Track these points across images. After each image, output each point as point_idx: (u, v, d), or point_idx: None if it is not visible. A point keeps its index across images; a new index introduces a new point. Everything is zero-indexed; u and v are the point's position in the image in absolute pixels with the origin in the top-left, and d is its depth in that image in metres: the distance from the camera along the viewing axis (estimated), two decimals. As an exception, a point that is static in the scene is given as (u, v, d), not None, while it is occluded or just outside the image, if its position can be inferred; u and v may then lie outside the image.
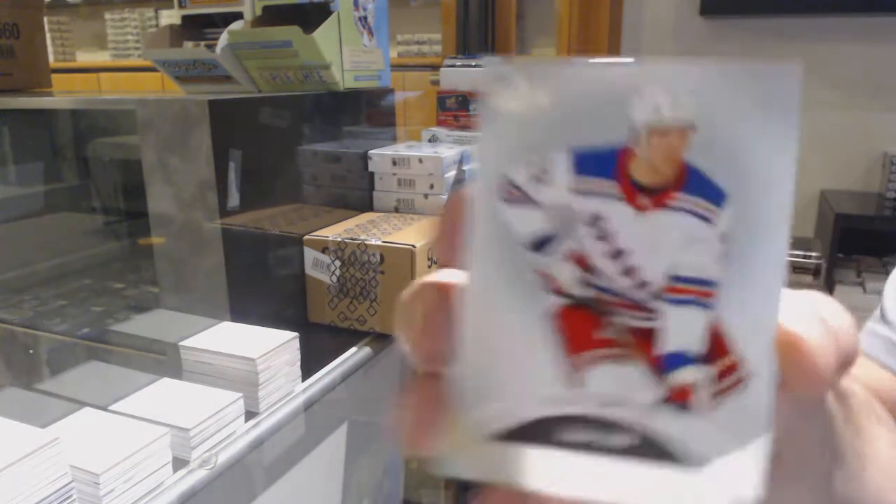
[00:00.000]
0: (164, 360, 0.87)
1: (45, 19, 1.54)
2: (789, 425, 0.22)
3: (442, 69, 1.55)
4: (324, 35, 1.07)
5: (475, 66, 1.54)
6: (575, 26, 2.26)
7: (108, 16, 3.53)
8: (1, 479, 0.51)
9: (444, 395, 0.19)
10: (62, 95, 1.35)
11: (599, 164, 0.18)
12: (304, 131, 1.09)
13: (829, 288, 1.26)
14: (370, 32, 1.19)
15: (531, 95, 0.18)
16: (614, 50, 2.31)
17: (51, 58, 1.51)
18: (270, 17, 1.13)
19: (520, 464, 0.18)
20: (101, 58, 3.66)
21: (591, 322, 0.18)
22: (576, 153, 0.18)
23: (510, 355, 0.19)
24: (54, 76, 1.41)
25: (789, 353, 0.17)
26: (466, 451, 0.19)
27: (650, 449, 0.18)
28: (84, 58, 3.74)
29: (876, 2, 2.12)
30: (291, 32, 1.06)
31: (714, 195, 0.18)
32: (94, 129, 1.38)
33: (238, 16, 1.14)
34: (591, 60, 0.18)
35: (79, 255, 1.34)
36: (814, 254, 1.16)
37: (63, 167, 1.42)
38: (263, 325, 0.81)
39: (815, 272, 1.15)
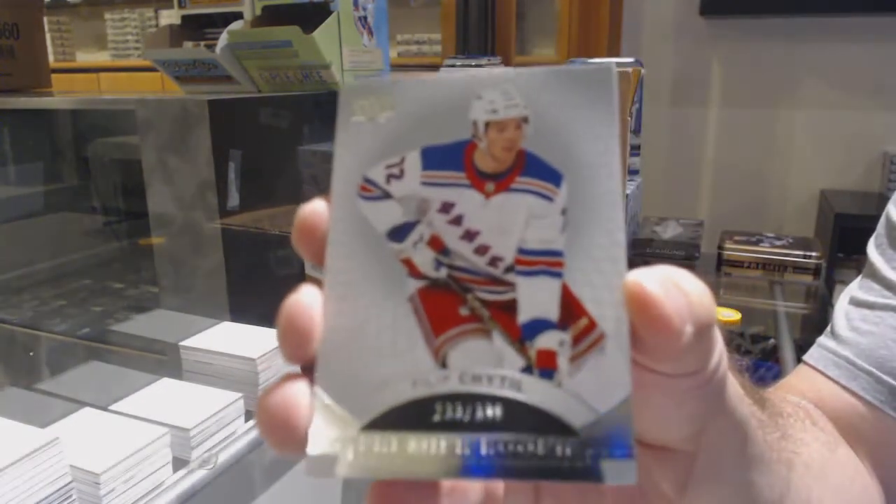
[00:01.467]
0: (164, 360, 0.87)
1: (45, 19, 1.54)
2: (699, 426, 0.23)
3: (442, 69, 1.55)
4: (323, 35, 1.07)
5: (475, 66, 1.54)
6: (575, 26, 2.26)
7: (108, 16, 3.53)
8: (1, 479, 0.51)
9: (310, 390, 0.19)
10: (62, 95, 1.35)
11: (448, 158, 0.20)
12: (304, 131, 1.09)
13: (829, 288, 1.26)
14: (370, 32, 1.19)
15: (384, 107, 0.21)
16: (614, 50, 2.31)
17: (51, 58, 1.51)
18: (270, 17, 1.13)
19: (397, 453, 0.18)
20: (101, 58, 3.66)
21: (452, 300, 0.19)
22: (427, 151, 0.20)
23: (375, 341, 0.19)
24: (54, 76, 1.41)
25: (637, 305, 0.18)
26: (338, 447, 0.18)
27: (522, 419, 0.18)
28: (84, 58, 3.74)
29: (877, 2, 2.12)
30: (291, 32, 1.06)
31: (551, 176, 0.20)
32: (94, 129, 1.38)
33: (238, 16, 1.14)
34: (434, 75, 0.21)
35: (79, 255, 1.34)
36: (814, 254, 1.16)
37: (63, 167, 1.42)
38: (263, 325, 0.81)
39: (815, 272, 1.15)
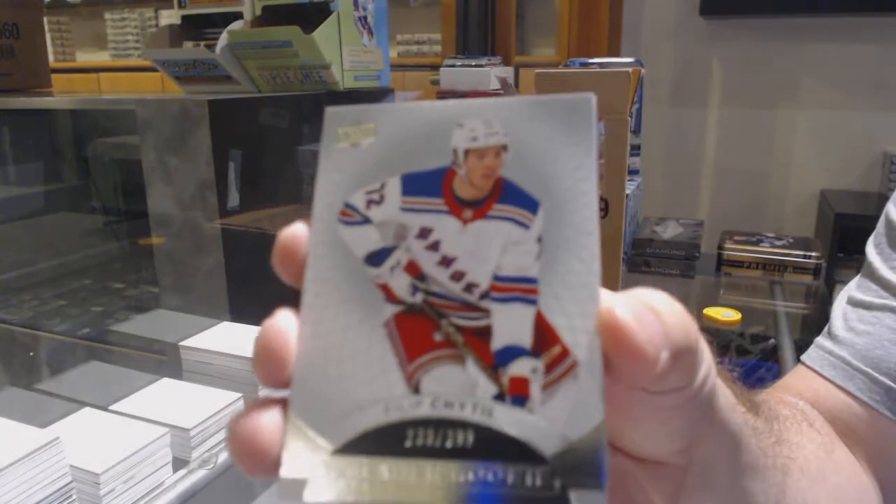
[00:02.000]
0: (164, 360, 0.87)
1: (45, 19, 1.54)
2: (689, 440, 0.22)
3: (442, 69, 1.55)
4: (323, 35, 1.07)
5: (475, 66, 1.54)
6: (575, 26, 2.26)
7: (108, 16, 3.53)
8: (1, 479, 0.51)
9: (281, 415, 0.19)
10: (62, 95, 1.35)
11: (427, 185, 0.20)
12: (304, 131, 1.09)
13: (829, 288, 1.26)
14: (370, 32, 1.19)
15: (367, 134, 0.21)
16: (614, 50, 2.31)
17: (51, 58, 1.51)
18: (270, 17, 1.13)
19: (367, 478, 0.18)
20: (101, 58, 3.66)
21: (427, 326, 0.19)
22: (407, 178, 0.21)
23: (349, 365, 0.19)
24: (54, 76, 1.41)
25: (609, 334, 0.18)
26: (309, 471, 0.18)
27: (492, 446, 0.18)
28: (84, 58, 3.74)
29: (877, 2, 2.12)
30: (291, 32, 1.06)
31: (528, 203, 0.20)
32: (94, 129, 1.38)
33: (238, 16, 1.14)
34: (417, 102, 0.21)
35: (79, 255, 1.34)
36: (814, 254, 1.16)
37: (63, 167, 1.42)
38: (263, 325, 0.81)
39: (815, 272, 1.15)
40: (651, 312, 0.18)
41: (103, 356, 0.97)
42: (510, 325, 0.19)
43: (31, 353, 1.02)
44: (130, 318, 1.09)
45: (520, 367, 0.19)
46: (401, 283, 0.20)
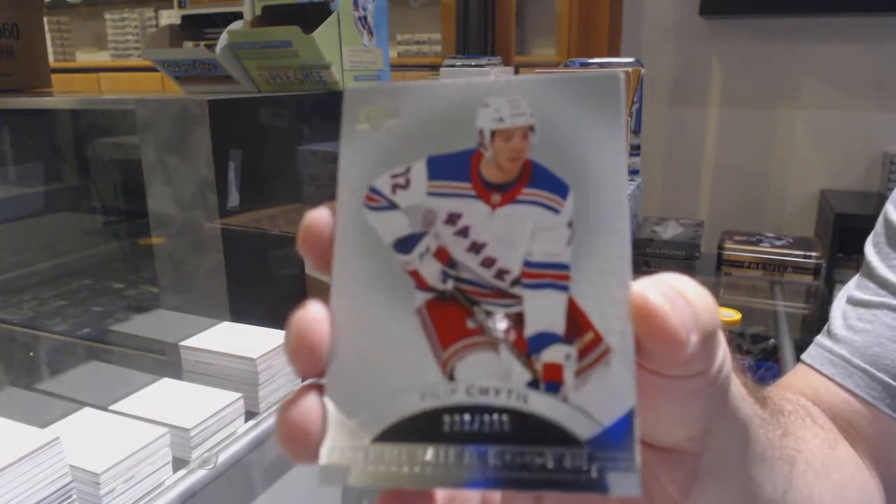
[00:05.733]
0: (164, 360, 0.87)
1: (45, 19, 1.54)
2: (704, 426, 0.23)
3: (442, 69, 1.55)
4: (323, 35, 1.07)
5: (475, 66, 1.54)
6: (575, 26, 2.26)
7: (108, 16, 3.53)
8: (1, 479, 0.51)
9: (323, 403, 0.19)
10: (62, 95, 1.35)
11: (454, 168, 0.20)
12: (304, 131, 1.09)
13: (829, 288, 1.26)
14: (370, 32, 1.18)
15: (388, 114, 0.21)
16: (614, 50, 2.31)
17: (51, 58, 1.51)
18: (270, 17, 1.13)
19: (406, 464, 0.18)
20: (101, 58, 3.66)
21: (459, 313, 0.19)
22: (433, 160, 0.20)
23: (384, 354, 0.19)
24: (54, 76, 1.41)
25: (642, 318, 0.18)
26: (349, 457, 0.18)
27: (528, 431, 0.18)
28: (84, 58, 3.74)
29: (876, 2, 2.12)
30: (291, 32, 1.06)
31: (557, 187, 0.20)
32: (94, 129, 1.38)
33: (238, 16, 1.14)
34: (439, 81, 0.21)
35: (79, 255, 1.34)
36: (814, 254, 1.16)
37: (63, 167, 1.42)
38: (263, 325, 0.81)
39: (815, 272, 1.15)
40: (680, 296, 0.19)
41: (103, 356, 0.97)
42: (543, 311, 0.19)
43: (31, 353, 1.02)
44: (130, 318, 1.09)
45: (553, 354, 0.19)
46: (431, 270, 0.20)
